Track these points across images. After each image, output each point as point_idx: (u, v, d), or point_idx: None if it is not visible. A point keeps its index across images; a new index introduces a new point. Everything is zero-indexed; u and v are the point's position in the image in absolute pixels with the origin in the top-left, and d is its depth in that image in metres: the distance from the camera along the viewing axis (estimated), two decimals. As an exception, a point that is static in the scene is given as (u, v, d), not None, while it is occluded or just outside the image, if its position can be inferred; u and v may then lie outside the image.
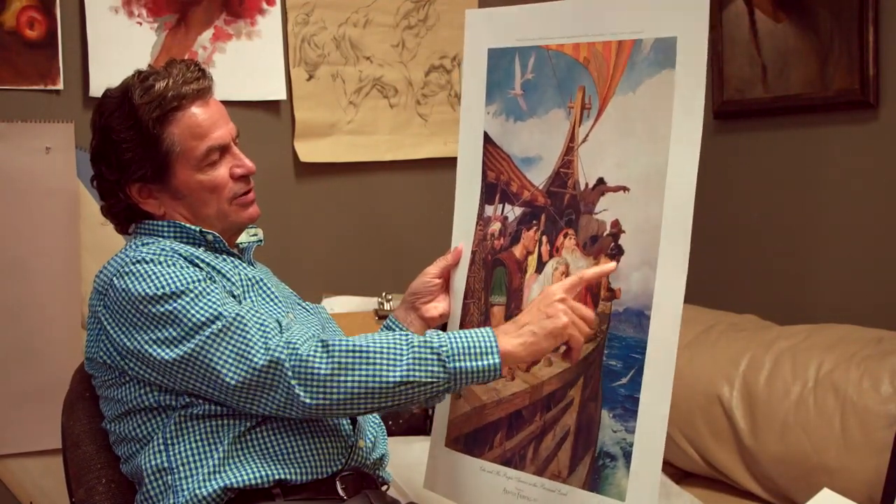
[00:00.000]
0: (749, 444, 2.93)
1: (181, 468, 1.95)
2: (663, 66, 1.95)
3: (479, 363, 1.88)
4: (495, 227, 2.20)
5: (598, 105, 2.05)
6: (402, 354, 1.87)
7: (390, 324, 2.32)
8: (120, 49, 3.10)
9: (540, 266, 2.12)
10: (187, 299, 1.93)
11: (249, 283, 2.12)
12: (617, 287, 2.00)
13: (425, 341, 1.88)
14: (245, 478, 1.93)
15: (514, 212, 2.18)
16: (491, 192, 2.22)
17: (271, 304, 2.14)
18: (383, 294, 3.45)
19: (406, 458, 2.63)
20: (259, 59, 3.35)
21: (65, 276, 3.03)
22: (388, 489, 2.17)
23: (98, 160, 2.12)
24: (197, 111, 2.09)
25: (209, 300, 1.94)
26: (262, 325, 1.92)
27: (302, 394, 1.86)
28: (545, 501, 2.06)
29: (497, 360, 1.88)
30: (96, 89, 3.04)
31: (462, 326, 2.24)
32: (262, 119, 3.40)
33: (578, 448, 2.03)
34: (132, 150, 2.06)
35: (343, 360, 1.86)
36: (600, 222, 2.03)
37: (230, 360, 1.89)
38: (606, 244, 2.02)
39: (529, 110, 2.16)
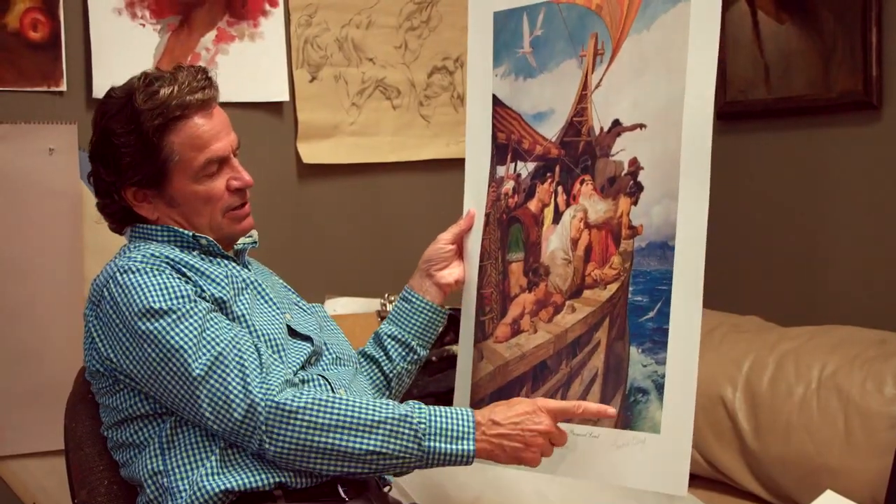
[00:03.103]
0: (752, 446, 2.92)
1: (177, 471, 1.95)
2: (677, 0, 1.98)
3: (454, 447, 1.90)
4: (508, 185, 2.23)
5: (611, 49, 2.08)
6: (379, 423, 1.89)
7: (406, 295, 2.34)
8: (123, 51, 3.10)
9: (557, 217, 2.15)
10: (169, 320, 1.94)
11: (243, 285, 2.11)
12: (639, 224, 2.01)
13: (404, 415, 1.90)
14: (245, 481, 1.93)
15: (526, 168, 2.20)
16: (502, 152, 2.24)
17: (265, 305, 2.13)
18: (386, 295, 3.45)
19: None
20: (262, 60, 3.35)
21: (67, 277, 3.04)
22: (389, 490, 2.16)
23: (96, 159, 2.12)
24: (199, 122, 2.07)
25: (189, 324, 1.94)
26: (241, 364, 1.93)
27: (267, 442, 1.89)
28: (576, 448, 2.05)
29: (472, 448, 1.90)
30: (99, 91, 3.04)
31: (480, 289, 2.26)
32: (265, 120, 3.40)
33: (608, 388, 2.04)
34: (130, 155, 2.05)
35: (318, 417, 1.88)
36: (617, 163, 2.05)
37: (209, 408, 1.91)
38: (625, 183, 2.03)
39: (540, 66, 2.20)
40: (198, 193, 2.10)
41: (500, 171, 2.25)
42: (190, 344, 1.92)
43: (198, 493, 1.92)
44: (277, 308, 2.16)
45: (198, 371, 1.90)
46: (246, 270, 2.19)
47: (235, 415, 1.89)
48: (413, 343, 2.33)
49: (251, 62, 3.34)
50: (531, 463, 1.94)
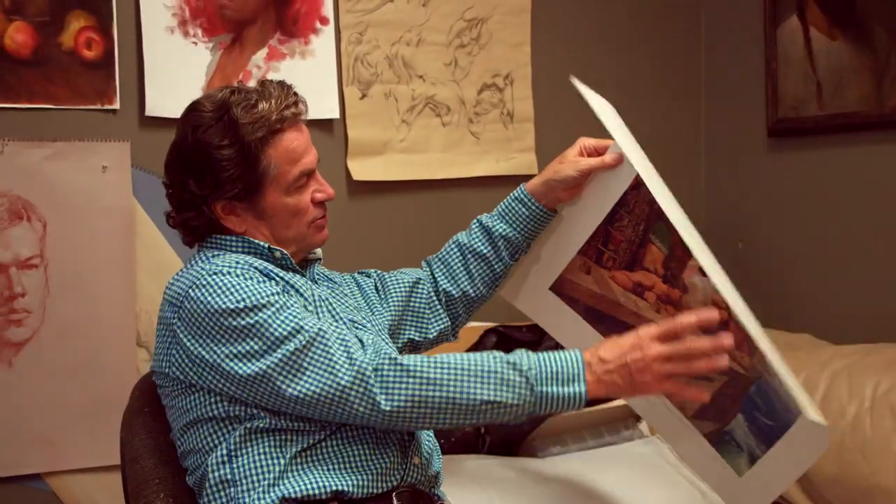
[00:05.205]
0: (804, 465, 2.90)
1: (243, 481, 1.97)
2: None
3: (566, 390, 1.88)
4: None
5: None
6: (490, 373, 1.88)
7: (524, 199, 2.36)
8: (175, 68, 3.12)
9: (702, 271, 2.04)
10: (269, 312, 1.95)
11: (318, 301, 2.14)
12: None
13: (513, 362, 1.90)
14: (302, 487, 1.95)
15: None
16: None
17: (336, 324, 2.15)
18: (436, 312, 3.45)
19: (459, 476, 2.63)
20: (312, 78, 3.37)
21: (120, 293, 3.06)
22: (443, 504, 2.17)
23: (186, 173, 2.13)
24: (293, 135, 2.13)
25: (290, 314, 1.95)
26: (343, 339, 1.94)
27: (383, 401, 1.87)
28: (661, 413, 2.05)
29: (583, 389, 1.88)
30: (152, 108, 3.07)
31: (608, 224, 2.21)
32: (316, 138, 3.36)
33: (706, 411, 2.03)
34: (231, 168, 2.08)
35: (430, 373, 1.88)
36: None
37: (314, 377, 1.91)
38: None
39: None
40: (287, 206, 2.14)
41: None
42: (291, 330, 1.93)
43: (257, 503, 1.94)
44: (345, 327, 2.17)
45: (298, 341, 1.92)
46: (315, 286, 2.21)
47: (342, 381, 1.89)
48: (524, 244, 2.38)
49: (302, 79, 3.32)
50: (655, 389, 1.90)
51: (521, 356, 1.91)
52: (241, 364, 1.94)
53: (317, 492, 1.95)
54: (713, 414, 2.02)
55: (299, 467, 1.97)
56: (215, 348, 1.96)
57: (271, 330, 1.93)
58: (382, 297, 2.44)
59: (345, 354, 1.91)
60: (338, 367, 1.90)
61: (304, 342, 1.92)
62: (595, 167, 2.24)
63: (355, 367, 1.89)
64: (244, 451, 1.98)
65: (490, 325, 3.24)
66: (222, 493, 1.99)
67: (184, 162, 2.13)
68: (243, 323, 1.94)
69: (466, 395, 1.87)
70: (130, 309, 3.07)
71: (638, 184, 2.14)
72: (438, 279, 2.44)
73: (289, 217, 2.15)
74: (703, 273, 2.02)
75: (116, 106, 3.06)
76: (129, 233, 3.07)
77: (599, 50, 3.87)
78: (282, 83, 2.18)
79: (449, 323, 2.46)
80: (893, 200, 3.33)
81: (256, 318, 1.94)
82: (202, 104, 2.14)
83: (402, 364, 1.89)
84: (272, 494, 1.94)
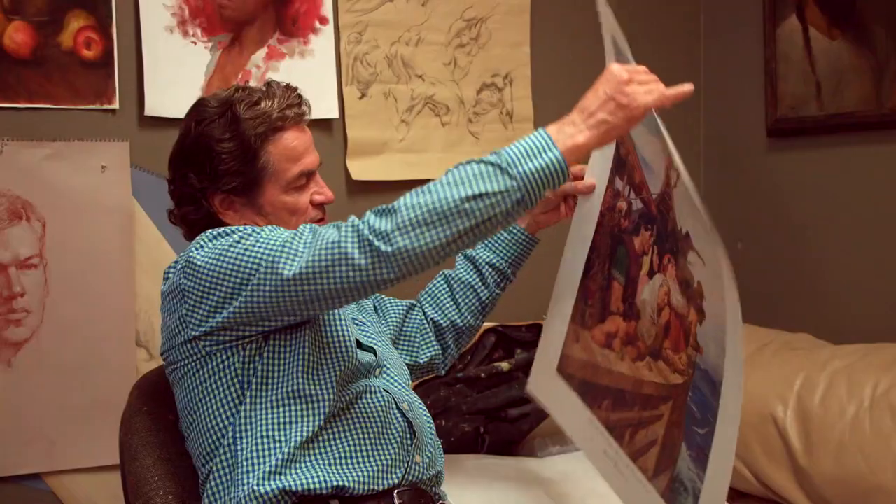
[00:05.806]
0: (804, 465, 2.90)
1: (244, 463, 1.98)
2: None
3: (541, 160, 1.83)
4: (622, 204, 2.08)
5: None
6: (462, 173, 1.85)
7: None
8: (174, 68, 3.12)
9: (651, 272, 2.05)
10: (264, 232, 1.97)
11: None
12: (702, 344, 1.96)
13: (482, 160, 1.85)
14: (303, 481, 1.95)
15: (636, 202, 2.08)
16: (621, 166, 2.08)
17: (336, 317, 2.15)
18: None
19: (459, 476, 2.63)
20: (312, 77, 3.36)
21: (120, 293, 3.06)
22: (444, 504, 2.18)
23: (186, 166, 2.16)
24: (294, 135, 2.17)
25: (282, 231, 1.97)
26: (331, 223, 1.93)
27: (377, 240, 1.83)
28: (633, 487, 2.04)
29: (557, 153, 1.84)
30: (151, 108, 3.07)
31: (584, 278, 2.10)
32: (315, 138, 3.37)
33: (662, 461, 2.01)
34: (229, 161, 2.11)
35: (409, 199, 1.85)
36: (690, 275, 1.96)
37: (309, 250, 1.88)
38: (696, 299, 1.95)
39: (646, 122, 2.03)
40: (286, 204, 2.17)
41: (618, 183, 2.09)
42: (288, 234, 1.94)
43: (256, 488, 1.95)
44: (345, 322, 2.17)
45: (289, 233, 1.94)
46: None
47: (333, 238, 1.86)
48: (509, 271, 2.41)
49: (301, 79, 3.30)
50: (639, 109, 1.88)
51: (486, 156, 1.87)
52: (245, 293, 1.94)
53: (317, 486, 1.96)
54: (666, 460, 2.02)
55: (301, 460, 1.97)
56: (226, 282, 1.96)
57: (271, 241, 1.93)
58: (381, 315, 2.45)
59: (333, 226, 1.89)
60: (328, 234, 1.87)
61: (296, 232, 1.93)
62: (567, 191, 2.26)
63: (342, 226, 1.87)
64: (249, 431, 1.99)
65: (490, 325, 3.23)
66: (226, 477, 2.01)
67: (186, 155, 2.17)
68: (243, 247, 1.95)
69: (447, 200, 1.83)
70: (130, 309, 3.07)
71: (602, 218, 2.09)
72: (426, 309, 2.46)
73: (287, 215, 2.17)
74: (650, 275, 2.02)
75: (116, 106, 3.06)
76: (129, 233, 3.07)
77: (599, 50, 3.83)
78: (287, 85, 2.21)
79: (440, 351, 2.48)
80: (893, 200, 3.33)
81: (256, 237, 1.96)
82: (207, 101, 2.19)
83: (382, 208, 1.87)
84: (273, 484, 1.94)
